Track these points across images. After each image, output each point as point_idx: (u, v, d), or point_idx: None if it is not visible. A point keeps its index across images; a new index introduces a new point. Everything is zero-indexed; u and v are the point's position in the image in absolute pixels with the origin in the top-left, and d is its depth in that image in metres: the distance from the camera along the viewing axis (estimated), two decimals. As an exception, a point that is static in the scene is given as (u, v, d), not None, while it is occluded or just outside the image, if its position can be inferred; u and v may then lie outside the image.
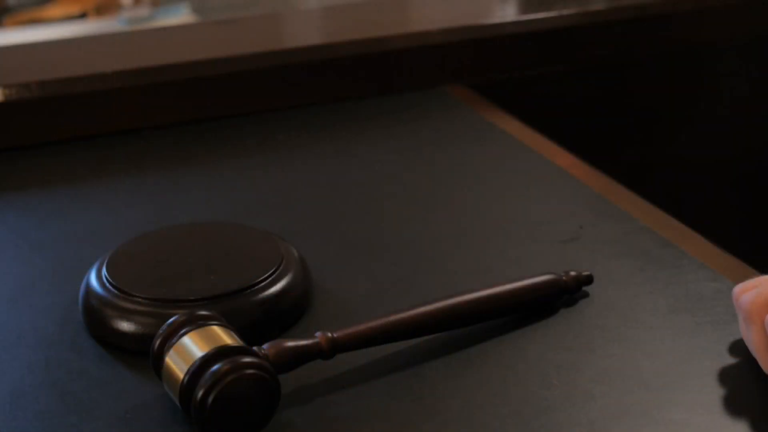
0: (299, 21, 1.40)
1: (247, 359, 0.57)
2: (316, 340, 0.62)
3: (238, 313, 0.66)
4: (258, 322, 0.67)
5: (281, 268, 0.70)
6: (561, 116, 1.26)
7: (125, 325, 0.66)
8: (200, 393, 0.56)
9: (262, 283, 0.68)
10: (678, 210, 0.84)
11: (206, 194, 0.92)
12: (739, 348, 0.65)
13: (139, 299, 0.66)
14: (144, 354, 0.65)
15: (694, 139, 1.37)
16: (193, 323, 0.60)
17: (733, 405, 0.59)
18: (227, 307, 0.66)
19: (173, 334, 0.60)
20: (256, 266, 0.69)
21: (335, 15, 1.36)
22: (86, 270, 0.71)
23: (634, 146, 1.34)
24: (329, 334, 0.62)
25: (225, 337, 0.60)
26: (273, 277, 0.69)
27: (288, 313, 0.69)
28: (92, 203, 0.91)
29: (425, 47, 1.17)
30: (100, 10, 2.64)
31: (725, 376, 0.62)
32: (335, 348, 0.62)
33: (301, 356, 0.61)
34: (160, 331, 0.61)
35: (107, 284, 0.68)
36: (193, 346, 0.59)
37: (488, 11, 1.28)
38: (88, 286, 0.69)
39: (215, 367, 0.56)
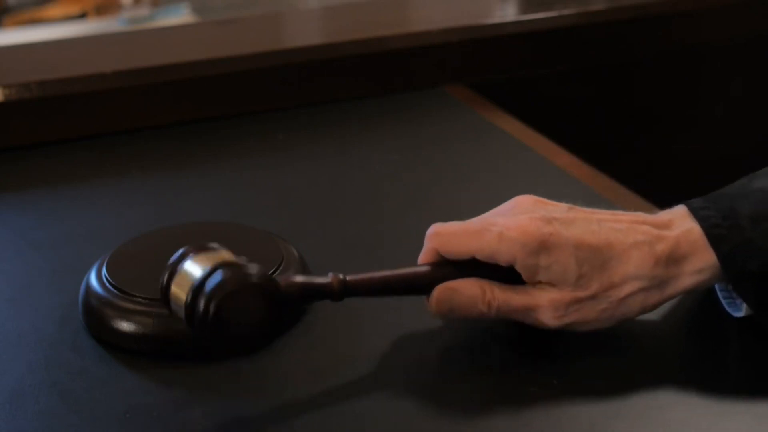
0: (299, 21, 1.40)
1: (251, 271, 0.57)
2: (328, 279, 0.62)
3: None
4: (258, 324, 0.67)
5: (281, 268, 0.70)
6: (561, 116, 1.26)
7: (125, 325, 0.66)
8: (202, 303, 0.56)
9: (263, 285, 0.68)
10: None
11: (206, 194, 0.92)
12: (739, 348, 0.65)
13: (139, 299, 0.66)
14: (144, 354, 0.65)
15: (694, 138, 1.37)
16: (195, 251, 0.60)
17: (733, 405, 0.59)
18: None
19: (177, 266, 0.60)
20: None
21: (335, 15, 1.36)
22: (86, 270, 0.71)
23: (634, 146, 1.34)
24: (341, 276, 0.63)
25: (227, 254, 0.59)
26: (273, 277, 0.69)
27: (288, 315, 0.69)
28: (92, 203, 0.91)
29: (425, 47, 1.17)
30: (100, 10, 2.64)
31: (725, 376, 0.62)
32: (345, 290, 0.62)
33: (311, 292, 0.62)
34: (166, 268, 0.60)
35: (107, 284, 0.68)
36: (195, 267, 0.58)
37: (488, 11, 1.28)
38: (88, 286, 0.69)
39: (217, 278, 0.56)
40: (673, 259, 0.63)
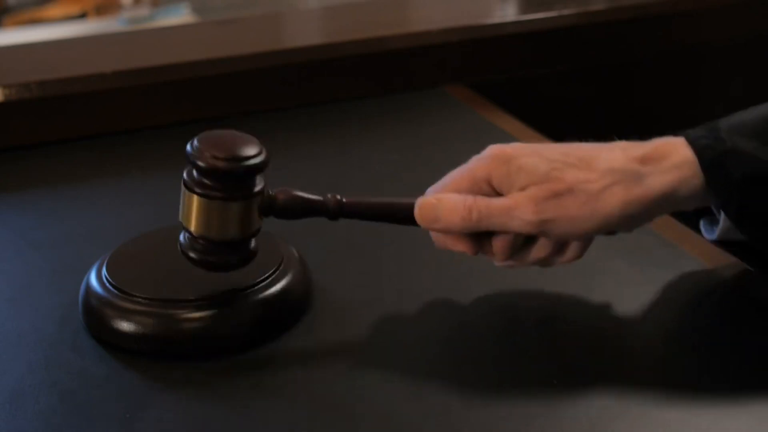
0: (299, 21, 1.40)
1: None
2: (326, 197, 0.65)
3: (238, 313, 0.66)
4: (258, 322, 0.67)
5: (281, 268, 0.70)
6: (561, 116, 1.26)
7: (125, 325, 0.66)
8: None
9: (262, 283, 0.68)
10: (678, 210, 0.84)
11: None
12: (740, 348, 0.65)
13: (139, 299, 0.66)
14: (144, 354, 0.65)
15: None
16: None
17: (733, 405, 0.59)
18: (227, 307, 0.66)
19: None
20: (256, 266, 0.69)
21: (335, 15, 1.36)
22: (86, 270, 0.71)
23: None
24: (338, 197, 0.65)
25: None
26: (273, 277, 0.69)
27: (288, 313, 0.69)
28: (92, 203, 0.91)
29: (425, 47, 1.17)
30: (100, 10, 2.64)
31: (726, 376, 0.62)
32: (341, 210, 0.65)
33: (308, 208, 0.65)
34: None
35: (107, 284, 0.68)
36: None
37: (488, 11, 1.28)
38: (88, 286, 0.69)
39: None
40: (649, 158, 0.63)
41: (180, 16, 2.47)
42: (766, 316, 0.69)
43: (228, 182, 0.63)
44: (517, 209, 0.63)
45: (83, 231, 0.84)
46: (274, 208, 0.65)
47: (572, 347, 0.66)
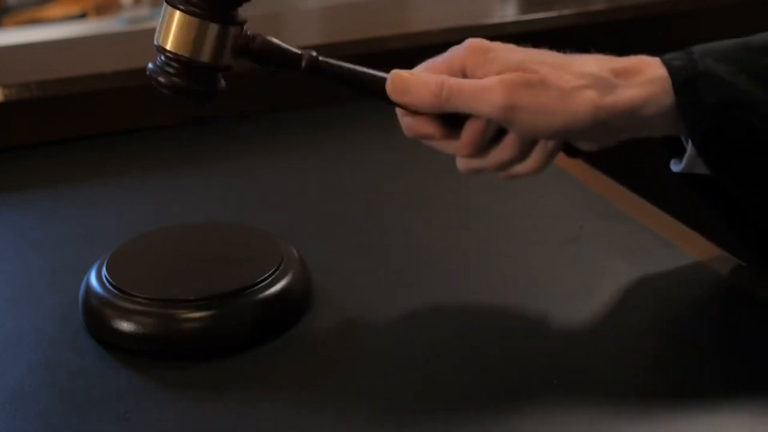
0: (299, 21, 1.40)
1: None
2: (303, 51, 0.66)
3: (239, 313, 0.66)
4: (258, 321, 0.67)
5: (281, 268, 0.70)
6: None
7: (125, 325, 0.66)
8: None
9: (262, 283, 0.68)
10: (678, 210, 0.84)
11: (206, 194, 0.92)
12: (740, 348, 0.65)
13: (139, 299, 0.66)
14: (144, 354, 0.65)
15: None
16: None
17: (734, 405, 0.59)
18: (227, 307, 0.66)
19: None
20: (256, 266, 0.69)
21: (335, 15, 1.36)
22: (86, 270, 0.71)
23: (633, 146, 1.34)
24: (314, 54, 0.66)
25: None
26: (273, 277, 0.69)
27: (288, 313, 0.69)
28: (92, 203, 0.91)
29: (425, 47, 1.17)
30: (100, 10, 2.64)
31: (726, 376, 0.62)
32: (314, 68, 0.66)
33: (281, 57, 0.66)
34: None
35: (107, 284, 0.68)
36: None
37: (488, 11, 1.28)
38: (88, 285, 0.69)
39: None
40: (623, 71, 0.64)
41: (180, 16, 2.46)
42: (766, 316, 0.69)
43: (212, 1, 0.64)
44: (488, 91, 0.63)
45: (83, 231, 0.84)
46: (249, 47, 0.66)
47: (572, 347, 0.66)
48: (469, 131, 0.65)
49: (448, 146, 0.67)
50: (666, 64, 0.64)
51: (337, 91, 1.14)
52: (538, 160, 0.66)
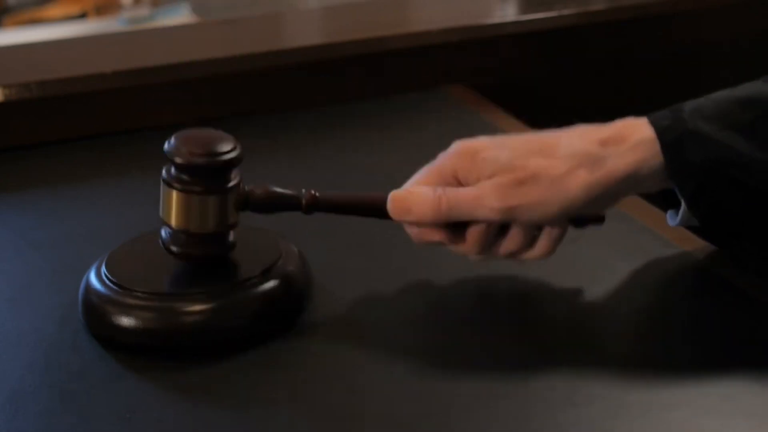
0: (299, 21, 1.40)
1: None
2: (300, 192, 0.68)
3: (238, 309, 0.66)
4: (258, 317, 0.67)
5: (280, 261, 0.70)
6: (561, 116, 1.26)
7: (125, 321, 0.66)
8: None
9: (263, 276, 0.68)
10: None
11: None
12: (740, 348, 0.65)
13: (139, 294, 0.66)
14: (144, 351, 0.65)
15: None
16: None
17: (734, 405, 0.59)
18: (227, 302, 0.66)
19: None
20: (255, 260, 0.69)
21: (335, 15, 1.36)
22: (86, 270, 0.71)
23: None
24: (313, 192, 0.68)
25: None
26: (272, 270, 0.69)
27: (288, 309, 0.69)
28: (92, 203, 0.91)
29: (425, 47, 1.17)
30: (100, 10, 2.64)
31: (726, 376, 0.62)
32: (315, 206, 0.68)
33: (282, 203, 0.68)
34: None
35: (107, 281, 0.68)
36: None
37: (488, 11, 1.28)
38: (88, 283, 0.69)
39: None
40: (610, 140, 0.65)
41: (180, 16, 2.46)
42: (765, 316, 0.69)
43: (205, 177, 0.66)
44: (484, 197, 0.64)
45: (83, 231, 0.84)
46: (249, 202, 0.68)
47: (572, 347, 0.66)
48: (473, 234, 0.67)
49: (457, 249, 0.69)
50: (653, 124, 0.65)
51: (337, 91, 1.15)
52: (545, 246, 0.68)
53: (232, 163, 0.66)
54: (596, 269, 0.74)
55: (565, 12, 1.23)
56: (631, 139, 0.65)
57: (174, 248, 0.68)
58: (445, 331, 0.68)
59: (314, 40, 1.20)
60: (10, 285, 0.76)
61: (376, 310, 0.70)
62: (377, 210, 0.69)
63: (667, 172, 0.64)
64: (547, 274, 0.74)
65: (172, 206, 0.66)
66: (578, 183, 0.64)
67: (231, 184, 0.67)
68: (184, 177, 0.66)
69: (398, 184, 0.89)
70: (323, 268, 0.75)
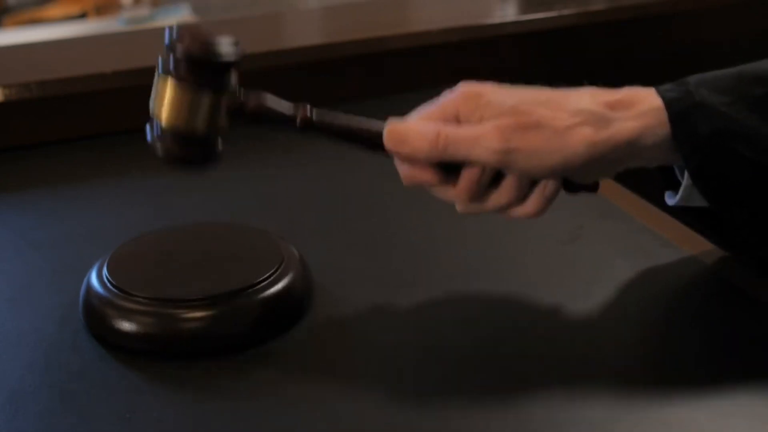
0: (299, 21, 1.40)
1: None
2: (297, 108, 0.67)
3: (239, 313, 0.66)
4: (258, 321, 0.67)
5: (281, 268, 0.70)
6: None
7: (126, 325, 0.66)
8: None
9: (263, 283, 0.68)
10: (678, 210, 0.84)
11: (206, 194, 0.92)
12: (740, 348, 0.65)
13: (140, 299, 0.66)
14: (144, 354, 0.65)
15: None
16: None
17: (734, 404, 0.59)
18: (227, 307, 0.66)
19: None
20: (256, 266, 0.69)
21: (335, 15, 1.36)
22: (86, 270, 0.71)
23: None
24: (308, 111, 0.67)
25: None
26: (273, 277, 0.69)
27: (288, 313, 0.69)
28: (92, 203, 0.91)
29: (425, 47, 1.17)
30: (100, 10, 2.64)
31: (726, 376, 0.62)
32: (309, 126, 0.67)
33: (276, 117, 0.67)
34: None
35: (108, 284, 0.68)
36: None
37: (488, 11, 1.28)
38: (89, 285, 0.69)
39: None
40: (618, 104, 0.64)
41: (180, 16, 2.47)
42: (764, 315, 0.69)
43: (203, 72, 0.64)
44: (484, 137, 0.63)
45: (83, 231, 0.84)
46: (243, 110, 0.67)
47: (572, 347, 0.66)
48: (466, 178, 0.65)
49: (446, 192, 0.67)
50: (661, 95, 0.64)
51: (337, 91, 1.15)
52: (537, 203, 0.67)
53: (231, 65, 0.65)
54: (596, 269, 0.74)
55: (565, 12, 1.23)
56: (638, 106, 0.64)
57: (159, 147, 0.65)
58: (445, 331, 0.68)
59: (314, 40, 1.20)
60: (10, 285, 0.76)
61: (376, 310, 0.70)
62: (373, 139, 0.67)
63: (674, 143, 0.64)
64: (547, 274, 0.74)
65: (164, 98, 0.64)
66: (581, 138, 0.63)
67: (228, 85, 0.66)
68: (182, 68, 0.64)
69: (398, 183, 0.89)
70: (323, 269, 0.75)
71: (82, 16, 2.63)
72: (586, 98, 0.64)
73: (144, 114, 1.10)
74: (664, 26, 1.29)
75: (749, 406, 0.59)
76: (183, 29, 0.64)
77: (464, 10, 1.28)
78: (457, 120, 0.65)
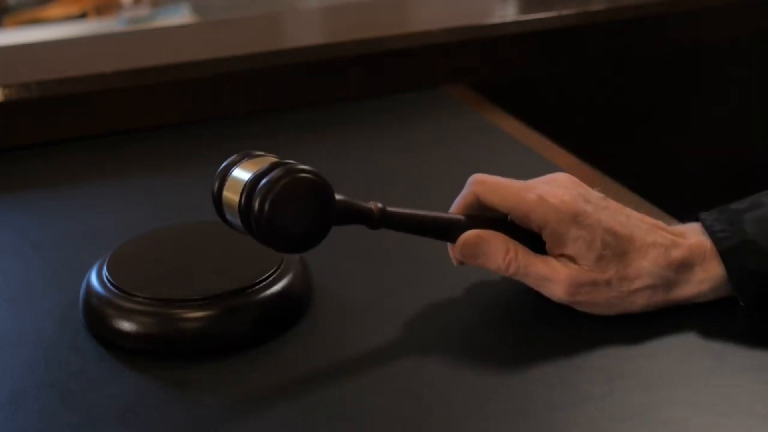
0: (299, 21, 1.40)
1: (299, 167, 0.60)
2: (369, 205, 0.65)
3: (239, 313, 0.66)
4: (258, 322, 0.67)
5: (281, 268, 0.70)
6: (561, 116, 1.26)
7: (126, 325, 0.66)
8: (257, 203, 0.58)
9: (263, 283, 0.68)
10: (678, 210, 0.85)
11: (206, 194, 0.92)
12: (739, 348, 0.65)
13: (140, 299, 0.66)
14: (144, 354, 0.65)
15: (694, 138, 1.38)
16: (242, 158, 0.62)
17: (734, 405, 0.59)
18: (227, 306, 0.66)
19: (227, 174, 0.62)
20: (256, 266, 0.69)
21: (335, 15, 1.36)
22: (86, 270, 0.71)
23: (633, 146, 1.34)
24: (380, 205, 0.66)
25: (274, 158, 0.62)
26: (273, 277, 0.69)
27: (288, 313, 0.69)
28: (92, 203, 0.91)
29: (425, 47, 1.17)
30: (100, 10, 2.65)
31: (726, 376, 0.62)
32: (383, 219, 0.66)
33: (353, 211, 0.65)
34: (215, 177, 0.62)
35: (108, 284, 0.68)
36: (244, 172, 0.61)
37: (488, 11, 1.29)
38: (89, 285, 0.69)
39: (268, 177, 0.58)
40: (683, 265, 0.66)
41: (180, 16, 2.47)
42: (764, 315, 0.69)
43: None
44: (554, 283, 0.65)
45: (83, 231, 0.84)
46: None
47: (572, 348, 0.66)
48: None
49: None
50: (719, 249, 0.65)
51: (337, 91, 1.15)
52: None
53: None
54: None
55: (565, 12, 1.23)
56: (701, 271, 0.66)
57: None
58: (445, 331, 0.68)
59: (314, 40, 1.20)
60: (10, 285, 0.76)
61: (375, 310, 0.70)
62: (445, 236, 0.68)
63: (737, 293, 0.66)
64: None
65: None
66: (641, 300, 0.66)
67: None
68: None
69: (398, 183, 0.89)
70: (323, 269, 0.75)
71: (82, 16, 2.63)
72: (659, 256, 0.65)
73: (144, 114, 1.10)
74: (663, 26, 1.29)
75: (750, 405, 0.59)
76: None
77: (464, 10, 1.28)
78: (478, 202, 0.68)
